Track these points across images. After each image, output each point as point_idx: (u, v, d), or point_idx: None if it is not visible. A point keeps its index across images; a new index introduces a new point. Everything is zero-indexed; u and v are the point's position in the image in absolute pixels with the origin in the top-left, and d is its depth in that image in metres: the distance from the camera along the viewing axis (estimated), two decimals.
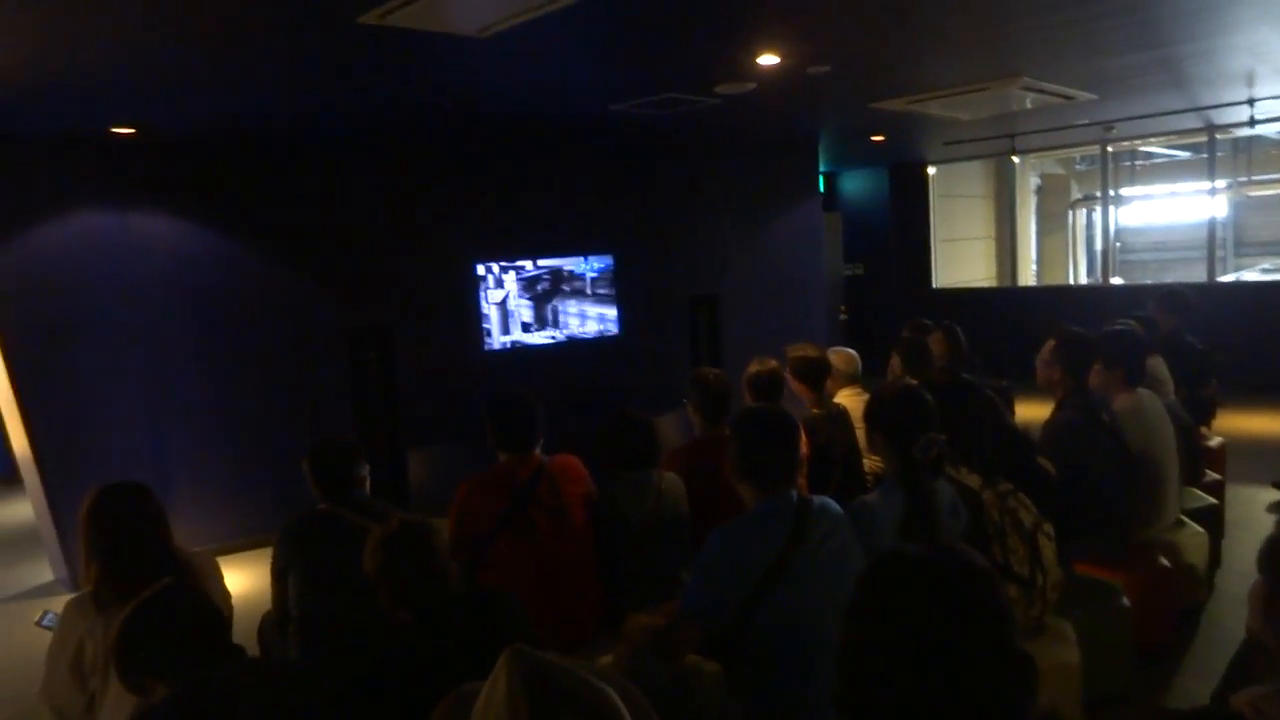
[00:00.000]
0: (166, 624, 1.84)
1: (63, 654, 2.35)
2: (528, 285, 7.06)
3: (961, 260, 12.24)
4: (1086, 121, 8.12)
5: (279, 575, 2.90)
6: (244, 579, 4.96)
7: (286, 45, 3.82)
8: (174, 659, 1.81)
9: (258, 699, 1.74)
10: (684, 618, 2.31)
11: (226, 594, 2.61)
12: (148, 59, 3.85)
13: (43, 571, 5.75)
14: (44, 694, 2.38)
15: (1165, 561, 3.44)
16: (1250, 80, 6.48)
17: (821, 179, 9.84)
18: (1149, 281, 11.37)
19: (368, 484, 3.06)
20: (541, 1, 3.33)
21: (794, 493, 2.27)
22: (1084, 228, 14.51)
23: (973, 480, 2.61)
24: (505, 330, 6.95)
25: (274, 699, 1.72)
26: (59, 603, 2.55)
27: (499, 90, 5.12)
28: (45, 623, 2.69)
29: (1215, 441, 4.87)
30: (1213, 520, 4.02)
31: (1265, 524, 4.98)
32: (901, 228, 11.25)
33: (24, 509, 6.81)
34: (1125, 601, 3.06)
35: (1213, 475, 4.49)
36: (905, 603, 1.14)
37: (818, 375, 3.90)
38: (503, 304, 6.92)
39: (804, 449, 2.89)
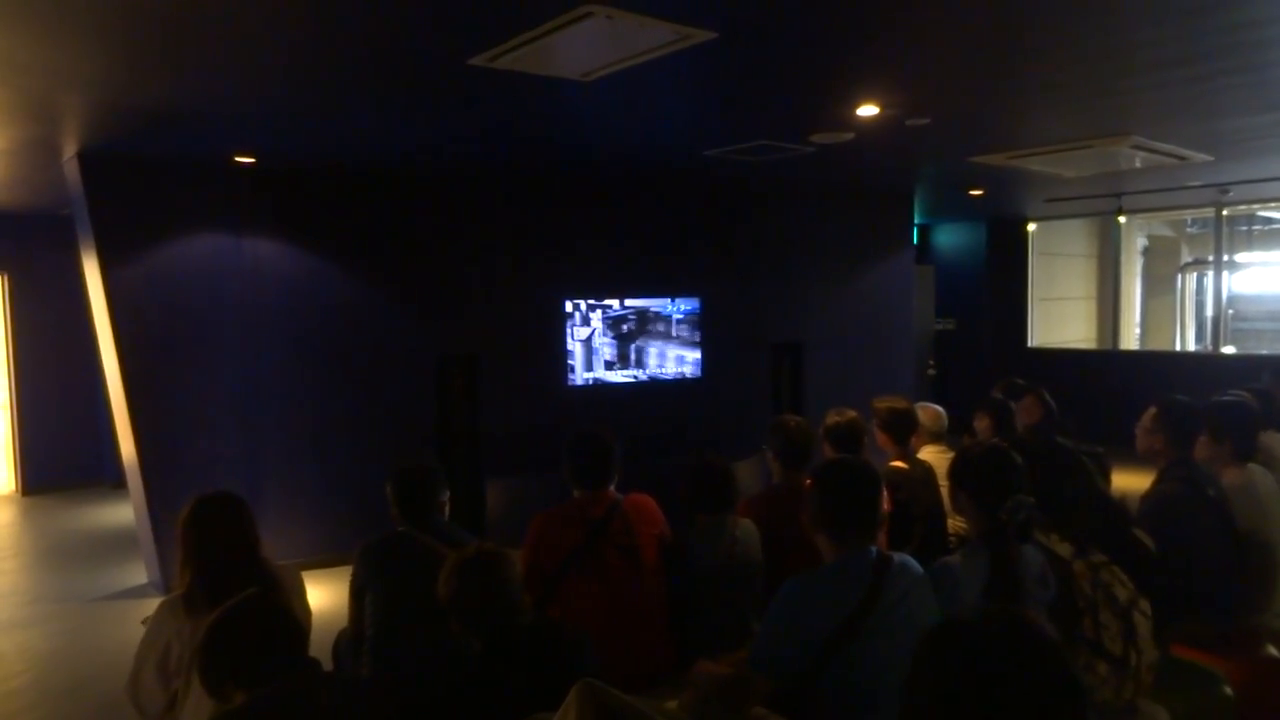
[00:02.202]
0: (249, 632, 1.90)
1: (151, 653, 2.45)
2: (613, 324, 7.13)
3: (1060, 320, 11.83)
4: (1200, 183, 7.81)
5: (357, 594, 2.96)
6: (323, 594, 5.09)
7: (400, 84, 4.01)
8: (254, 667, 1.86)
9: (330, 713, 1.77)
10: (753, 668, 2.27)
11: (307, 608, 2.68)
12: (274, 94, 4.10)
13: (139, 574, 6.03)
14: (129, 689, 2.48)
15: (1274, 651, 3.20)
16: None
17: (915, 230, 9.70)
18: (1265, 352, 10.74)
19: (447, 510, 3.12)
20: (644, 49, 3.41)
21: (873, 548, 2.21)
22: (1194, 292, 13.84)
23: (1064, 549, 2.49)
24: (588, 367, 7.02)
25: (345, 715, 1.75)
26: (153, 605, 2.66)
27: (597, 132, 5.25)
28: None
29: None
30: None
31: None
32: (997, 284, 10.96)
33: (127, 513, 7.19)
34: (1228, 691, 2.86)
35: None
36: (958, 673, 1.06)
37: (905, 429, 3.81)
38: (588, 341, 7.01)
39: (885, 504, 2.82)
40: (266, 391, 5.98)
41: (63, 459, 8.78)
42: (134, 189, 5.49)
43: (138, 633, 2.59)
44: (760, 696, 2.28)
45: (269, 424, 5.99)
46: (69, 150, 5.23)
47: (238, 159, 5.54)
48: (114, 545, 6.82)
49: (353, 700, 1.84)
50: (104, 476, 8.77)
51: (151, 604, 5.00)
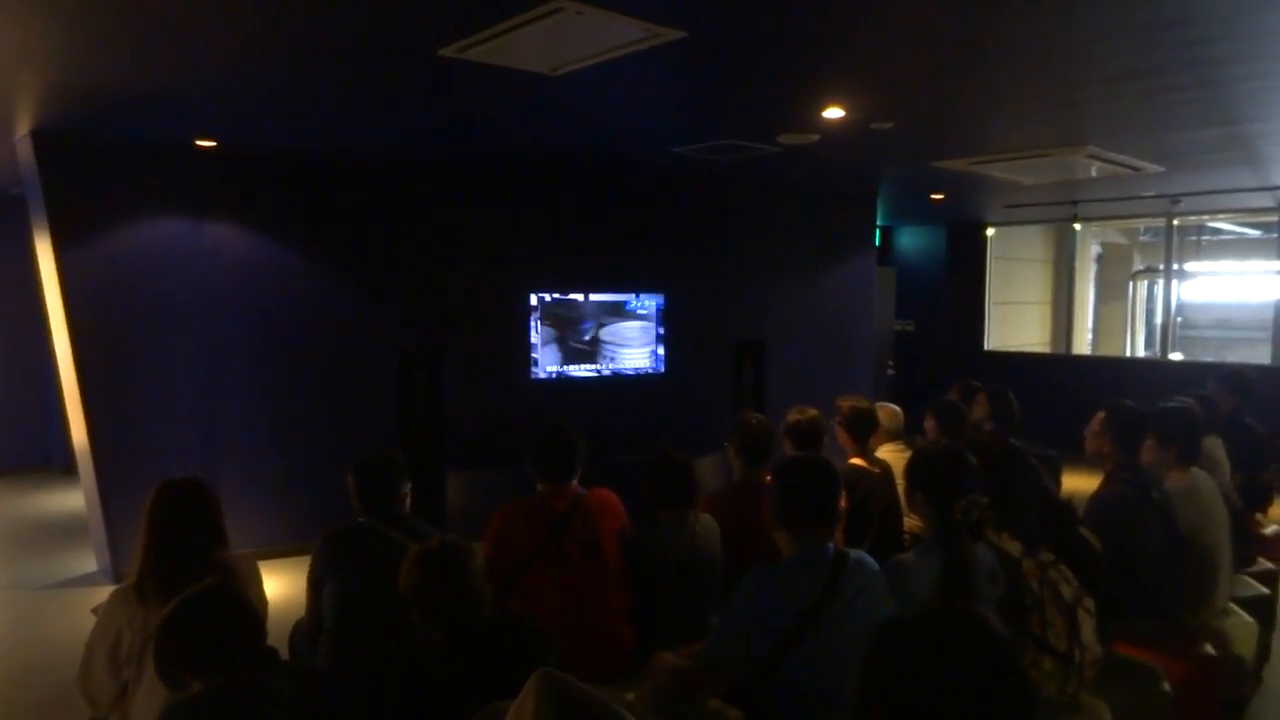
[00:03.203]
0: (207, 622, 1.89)
1: (101, 642, 2.41)
2: (577, 317, 7.14)
3: (1015, 324, 12.08)
4: (1153, 193, 8.02)
5: (315, 584, 2.94)
6: (279, 584, 5.03)
7: (369, 72, 3.98)
8: (211, 657, 1.85)
9: (289, 703, 1.77)
10: (709, 661, 2.30)
11: (264, 598, 2.66)
12: (238, 77, 4.03)
13: (88, 561, 5.91)
14: (80, 678, 2.44)
15: (1211, 649, 3.32)
16: None
17: (878, 232, 9.82)
18: (1210, 359, 11.07)
19: (409, 501, 3.11)
20: (613, 46, 3.42)
21: (831, 544, 2.26)
22: (1144, 300, 14.20)
23: (1013, 548, 2.56)
24: (551, 360, 7.02)
25: (304, 704, 1.75)
26: (103, 594, 2.62)
27: (565, 126, 5.25)
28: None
29: (1271, 529, 4.71)
30: (1264, 610, 3.87)
31: None
32: (956, 287, 11.16)
33: (77, 499, 7.04)
34: (1166, 687, 2.96)
35: (1266, 564, 4.33)
36: (910, 667, 1.08)
37: (866, 428, 3.87)
38: (551, 334, 7.00)
39: (843, 501, 2.87)
40: (224, 379, 5.89)
41: (10, 443, 8.56)
42: (90, 170, 5.37)
43: (88, 621, 2.55)
44: (716, 689, 2.32)
45: (226, 412, 5.90)
46: (22, 129, 5.09)
47: (199, 143, 5.44)
48: (62, 532, 6.68)
49: (311, 690, 1.84)
50: (53, 461, 8.57)
51: (102, 592, 4.90)
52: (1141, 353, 13.81)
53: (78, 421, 5.59)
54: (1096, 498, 3.38)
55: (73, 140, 5.21)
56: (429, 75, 3.95)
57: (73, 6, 3.06)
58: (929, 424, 4.31)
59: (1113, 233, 13.74)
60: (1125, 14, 3.19)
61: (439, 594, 2.07)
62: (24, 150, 5.37)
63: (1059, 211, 8.95)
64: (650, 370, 7.54)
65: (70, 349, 5.36)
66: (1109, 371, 10.51)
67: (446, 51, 3.49)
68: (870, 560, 2.29)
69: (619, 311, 7.35)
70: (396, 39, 3.44)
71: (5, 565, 6.01)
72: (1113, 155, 5.87)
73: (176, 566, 2.35)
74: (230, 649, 1.87)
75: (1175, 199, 8.44)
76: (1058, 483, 4.27)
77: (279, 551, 5.75)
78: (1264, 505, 4.79)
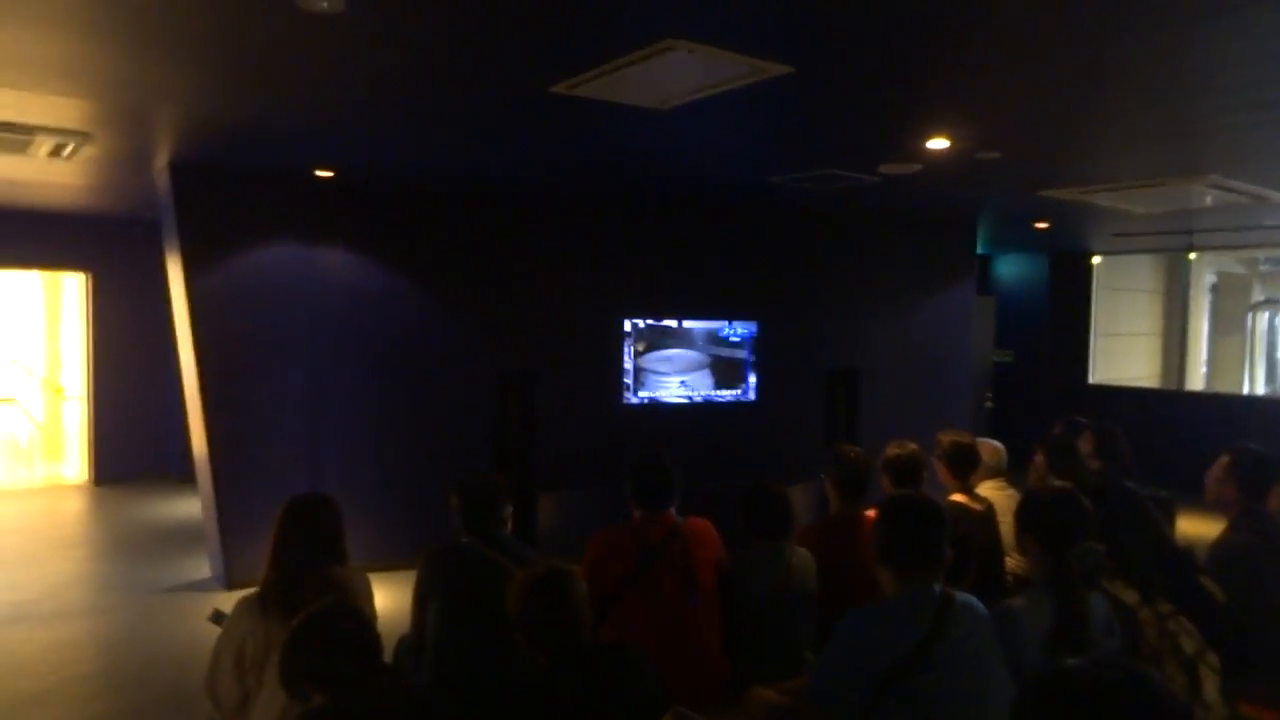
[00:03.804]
0: (331, 638, 1.99)
1: (228, 649, 2.55)
2: (672, 345, 7.19)
3: (1123, 357, 11.58)
4: (1275, 224, 7.61)
5: (420, 600, 3.03)
6: (378, 597, 5.20)
7: (481, 109, 4.13)
8: (334, 670, 1.94)
9: (403, 718, 1.85)
10: (810, 698, 2.28)
11: (375, 613, 2.76)
12: (358, 112, 4.25)
13: (202, 567, 6.23)
14: (207, 684, 2.58)
15: None
16: None
17: (977, 261, 9.59)
18: None
19: (510, 524, 3.18)
20: (721, 81, 3.47)
21: (937, 586, 2.22)
22: (1265, 332, 13.44)
23: (1129, 597, 2.47)
24: (644, 386, 7.08)
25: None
26: (215, 599, 2.77)
27: (669, 156, 5.32)
28: (215, 619, 2.91)
29: None
30: None
31: None
32: (1059, 317, 10.78)
33: (192, 507, 7.43)
34: None
35: None
36: None
37: (968, 464, 3.78)
38: (645, 361, 7.07)
39: None
40: (330, 397, 6.15)
41: (133, 452, 9.11)
42: (219, 199, 5.72)
43: (202, 625, 2.68)
44: None
45: (333, 429, 6.16)
46: (161, 160, 5.47)
47: (317, 173, 5.74)
48: (178, 538, 7.06)
49: (424, 708, 1.91)
50: (170, 470, 9.07)
51: (214, 598, 5.18)
52: (1261, 390, 13.05)
53: (198, 434, 5.92)
54: (1220, 546, 3.22)
55: (204, 170, 5.56)
56: (540, 112, 4.07)
57: (214, 51, 3.29)
58: (1038, 461, 4.16)
59: (1229, 261, 13.07)
60: (1256, 45, 3.07)
61: (545, 619, 2.12)
62: (162, 181, 5.77)
63: (1172, 241, 8.58)
64: (742, 398, 7.53)
65: (195, 366, 5.69)
66: (1225, 409, 9.96)
67: (558, 89, 3.61)
68: (979, 604, 2.24)
69: (713, 339, 7.37)
70: (511, 78, 3.57)
71: (125, 568, 6.38)
72: (1235, 184, 5.61)
73: (300, 580, 2.47)
74: (351, 665, 1.96)
75: None
76: (1173, 527, 4.07)
77: (376, 566, 5.91)
78: None
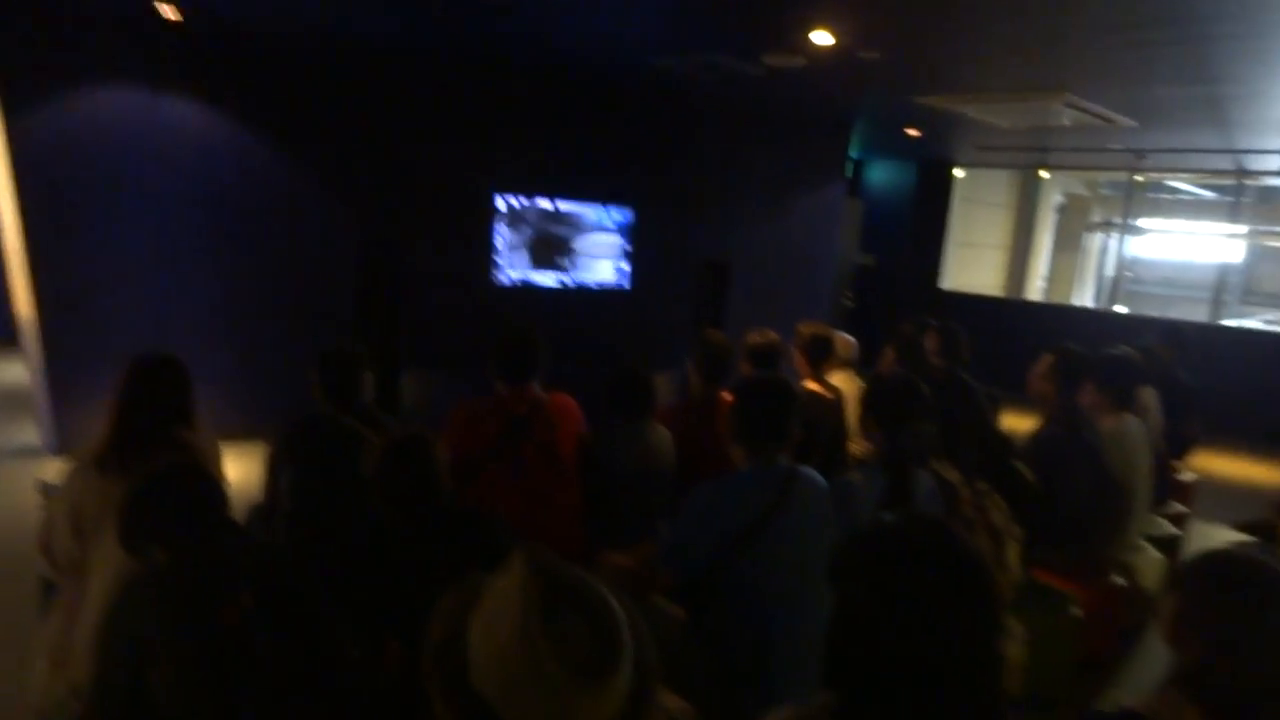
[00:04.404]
0: (173, 495, 1.92)
1: (62, 508, 2.43)
2: (545, 225, 7.08)
3: (973, 266, 12.29)
4: (1121, 147, 8.13)
5: (273, 468, 2.97)
6: (229, 472, 5.05)
7: None
8: (178, 528, 1.89)
9: (253, 573, 1.82)
10: (661, 562, 2.41)
11: (225, 478, 2.69)
12: None
13: (29, 434, 5.84)
14: (41, 541, 2.47)
15: (1120, 580, 3.57)
16: None
17: (849, 164, 9.82)
18: (1152, 314, 11.42)
19: (369, 393, 3.13)
20: None
21: (784, 460, 2.36)
22: (1098, 251, 14.53)
23: (953, 475, 2.70)
24: (515, 266, 6.99)
25: (269, 575, 1.80)
26: (45, 466, 2.63)
27: (545, 27, 5.10)
28: (44, 490, 2.77)
29: (1188, 476, 4.99)
30: (1172, 549, 4.15)
31: None
32: (920, 224, 11.26)
33: (16, 372, 6.90)
34: (1076, 611, 3.18)
35: (1179, 508, 4.62)
36: (892, 566, 1.16)
37: (823, 355, 3.97)
38: (516, 239, 6.95)
39: None
40: (179, 259, 5.75)
41: None
42: (44, 37, 5.08)
43: (31, 494, 2.55)
44: (661, 588, 2.44)
45: (179, 293, 5.79)
46: None
47: (162, 7, 5.18)
48: (2, 404, 6.57)
49: (277, 561, 1.90)
50: None
51: (43, 464, 4.89)
52: (1089, 303, 14.19)
53: (23, 292, 5.44)
54: (1034, 436, 3.55)
55: (22, 5, 4.92)
56: None
57: None
58: (887, 353, 4.42)
59: (1076, 183, 13.93)
60: None
61: (403, 481, 2.12)
62: None
63: (1029, 157, 9.04)
64: (614, 285, 7.55)
65: (19, 217, 5.17)
66: (1057, 318, 10.78)
67: None
68: (819, 477, 2.40)
69: (587, 223, 7.30)
70: None
71: None
72: (1089, 105, 5.92)
73: (142, 442, 2.36)
74: (195, 520, 1.91)
75: (1141, 154, 8.57)
76: (997, 418, 4.45)
77: (224, 436, 5.72)
78: (1185, 454, 5.05)
